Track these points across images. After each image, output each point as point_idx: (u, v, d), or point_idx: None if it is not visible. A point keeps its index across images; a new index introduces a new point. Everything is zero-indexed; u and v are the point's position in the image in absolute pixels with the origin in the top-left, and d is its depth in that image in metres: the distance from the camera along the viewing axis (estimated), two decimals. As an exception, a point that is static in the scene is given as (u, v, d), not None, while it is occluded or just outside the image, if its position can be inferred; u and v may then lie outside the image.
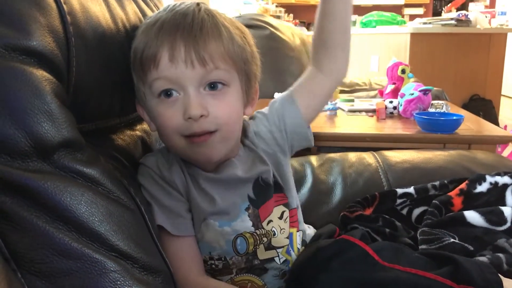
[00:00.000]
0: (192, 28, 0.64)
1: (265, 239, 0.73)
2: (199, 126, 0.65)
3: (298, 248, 0.78)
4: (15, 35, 0.51)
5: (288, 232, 0.77)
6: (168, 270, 0.61)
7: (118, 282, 0.51)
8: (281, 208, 0.77)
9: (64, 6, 0.57)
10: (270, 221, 0.75)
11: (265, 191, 0.75)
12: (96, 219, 0.53)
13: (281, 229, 0.75)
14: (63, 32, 0.57)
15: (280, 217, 0.76)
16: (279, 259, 0.75)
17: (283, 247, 0.75)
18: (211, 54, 0.65)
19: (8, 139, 0.49)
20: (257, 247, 0.73)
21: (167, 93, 0.66)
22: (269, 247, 0.74)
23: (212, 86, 0.66)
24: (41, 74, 0.53)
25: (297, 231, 0.79)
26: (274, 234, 0.74)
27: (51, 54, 0.54)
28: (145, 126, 0.83)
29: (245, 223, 0.72)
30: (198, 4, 0.69)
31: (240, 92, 0.71)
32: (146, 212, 0.64)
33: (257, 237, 0.73)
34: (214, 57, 0.65)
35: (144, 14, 0.82)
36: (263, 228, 0.74)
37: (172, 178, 0.71)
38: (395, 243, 0.77)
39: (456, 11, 4.14)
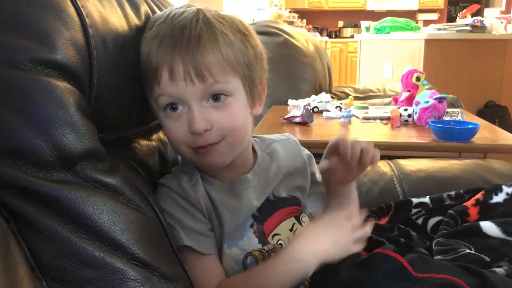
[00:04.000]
0: (189, 43, 0.64)
1: (273, 254, 0.73)
2: (204, 139, 0.66)
3: None
4: (41, 49, 0.53)
5: None
6: (187, 278, 0.61)
7: (138, 291, 0.52)
8: (292, 220, 0.77)
9: (87, 19, 0.59)
10: (276, 234, 0.75)
11: (268, 206, 0.76)
12: (117, 228, 0.54)
13: (289, 242, 0.74)
14: (85, 44, 0.58)
15: (291, 229, 0.77)
16: None
17: None
18: (209, 68, 0.65)
19: (34, 150, 0.51)
20: None
21: (172, 107, 0.67)
22: None
23: (215, 97, 0.67)
24: (65, 87, 0.54)
25: None
26: (282, 247, 0.74)
27: (75, 67, 0.56)
28: (161, 135, 0.84)
29: (251, 241, 0.73)
30: (197, 12, 0.68)
31: (244, 97, 0.71)
32: (165, 220, 0.65)
33: (265, 253, 0.73)
34: (213, 70, 0.65)
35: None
36: (269, 243, 0.74)
37: (197, 197, 0.71)
38: (422, 254, 0.77)
39: (471, 17, 4.10)
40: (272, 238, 0.74)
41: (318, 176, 0.86)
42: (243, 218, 0.73)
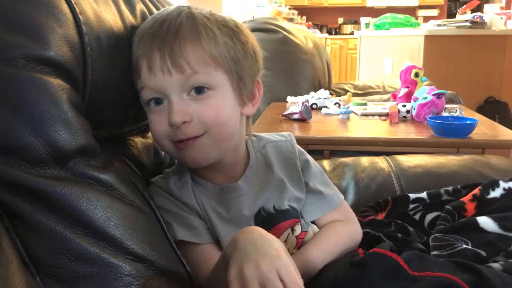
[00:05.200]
0: (167, 35, 0.64)
1: None
2: (184, 132, 0.65)
3: None
4: (34, 46, 0.53)
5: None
6: (186, 272, 0.61)
7: (133, 286, 0.52)
8: (288, 231, 0.76)
9: (80, 16, 0.59)
10: None
11: (268, 219, 0.74)
12: (112, 223, 0.54)
13: None
14: (79, 41, 0.58)
15: (285, 241, 0.75)
16: None
17: None
18: (188, 59, 0.63)
19: (27, 146, 0.51)
20: None
21: (156, 101, 0.67)
22: None
23: (198, 90, 0.65)
24: (58, 83, 0.54)
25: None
26: None
27: (68, 64, 0.56)
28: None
29: None
30: (180, 8, 0.68)
31: (230, 92, 0.68)
32: (161, 215, 0.66)
33: None
34: (191, 61, 0.64)
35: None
36: None
37: (183, 199, 0.71)
38: (418, 252, 0.77)
39: (471, 13, 4.10)
40: None
41: (313, 185, 0.81)
42: (237, 230, 0.71)
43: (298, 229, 0.77)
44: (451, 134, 1.48)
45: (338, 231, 0.80)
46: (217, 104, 0.67)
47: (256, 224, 0.73)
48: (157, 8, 0.89)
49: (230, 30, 0.69)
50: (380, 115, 1.85)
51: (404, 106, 1.79)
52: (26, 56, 0.52)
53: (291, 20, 6.10)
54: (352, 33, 6.81)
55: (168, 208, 0.70)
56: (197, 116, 0.65)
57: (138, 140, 0.77)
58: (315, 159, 0.86)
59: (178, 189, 0.72)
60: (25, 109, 0.51)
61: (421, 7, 7.15)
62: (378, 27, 4.12)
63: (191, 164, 0.70)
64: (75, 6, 0.58)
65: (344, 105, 1.91)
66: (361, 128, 1.71)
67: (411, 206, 0.99)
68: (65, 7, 0.57)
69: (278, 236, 0.73)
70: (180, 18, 0.66)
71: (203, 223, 0.71)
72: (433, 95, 1.66)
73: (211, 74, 0.66)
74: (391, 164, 1.13)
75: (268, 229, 0.72)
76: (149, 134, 0.81)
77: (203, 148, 0.67)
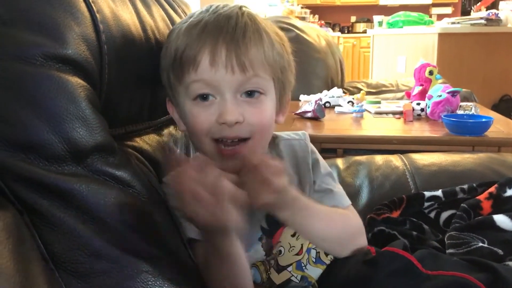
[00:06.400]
0: (235, 32, 0.63)
1: (272, 262, 0.72)
2: (232, 131, 0.64)
3: (313, 260, 0.74)
4: (52, 44, 0.53)
5: (300, 248, 0.74)
6: (196, 270, 0.62)
7: (149, 283, 0.53)
8: None
9: (97, 15, 0.60)
10: (278, 242, 0.73)
11: (276, 220, 0.71)
12: (128, 220, 0.55)
13: (290, 247, 0.73)
14: (96, 40, 0.59)
15: (293, 235, 0.74)
16: (296, 278, 0.72)
17: (291, 264, 0.73)
18: (252, 60, 0.64)
19: (46, 144, 0.51)
20: (269, 272, 0.71)
21: (203, 97, 0.65)
22: (279, 268, 0.72)
23: (249, 93, 0.65)
24: (76, 81, 0.55)
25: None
26: (280, 253, 0.72)
27: (85, 62, 0.57)
28: (172, 130, 0.84)
29: (258, 254, 0.71)
30: (240, 7, 0.68)
31: (274, 100, 0.69)
32: (175, 213, 0.66)
33: (267, 263, 0.71)
34: (255, 64, 0.64)
35: (172, 21, 0.84)
36: (273, 253, 0.72)
37: None
38: (433, 250, 0.77)
39: (486, 10, 4.05)
40: (276, 247, 0.72)
41: (319, 184, 0.78)
42: (248, 228, 0.70)
43: None
44: (466, 132, 1.47)
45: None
46: (266, 109, 0.67)
47: (267, 223, 0.72)
48: (173, 8, 0.90)
49: (281, 39, 0.70)
50: (394, 113, 1.84)
51: (418, 104, 1.78)
52: (44, 55, 0.53)
53: (303, 19, 6.09)
54: (365, 32, 6.76)
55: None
56: (247, 118, 0.65)
57: (153, 138, 0.77)
58: (329, 158, 0.85)
59: None
60: (44, 106, 0.52)
61: (435, 5, 7.08)
62: (391, 25, 4.09)
63: (229, 171, 0.67)
64: (92, 4, 0.59)
65: (357, 104, 1.90)
66: (375, 127, 1.70)
67: (426, 204, 0.99)
68: (82, 6, 0.58)
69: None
70: (244, 18, 0.66)
71: None
72: (448, 93, 1.65)
73: (266, 79, 0.66)
74: (406, 162, 1.12)
75: (276, 229, 0.72)
76: (164, 132, 0.82)
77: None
